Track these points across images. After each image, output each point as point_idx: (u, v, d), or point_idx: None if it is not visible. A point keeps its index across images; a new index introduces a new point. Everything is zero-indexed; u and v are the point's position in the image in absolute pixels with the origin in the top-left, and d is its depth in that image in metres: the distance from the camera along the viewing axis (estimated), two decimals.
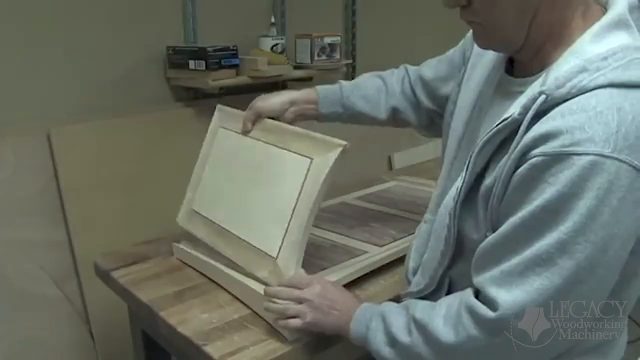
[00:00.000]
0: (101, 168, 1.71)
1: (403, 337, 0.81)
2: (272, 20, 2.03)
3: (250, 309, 1.05)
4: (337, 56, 2.10)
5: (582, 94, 0.66)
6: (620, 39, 0.71)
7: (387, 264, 1.19)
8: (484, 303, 0.73)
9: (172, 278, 1.19)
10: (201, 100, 2.01)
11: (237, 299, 1.09)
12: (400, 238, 1.28)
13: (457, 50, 1.10)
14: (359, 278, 1.12)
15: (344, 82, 1.19)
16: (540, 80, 0.73)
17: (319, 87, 1.18)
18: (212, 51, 1.78)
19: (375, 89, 1.18)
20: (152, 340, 1.23)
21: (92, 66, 1.76)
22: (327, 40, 2.06)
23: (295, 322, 0.91)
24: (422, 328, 0.79)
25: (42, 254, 1.62)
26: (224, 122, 1.23)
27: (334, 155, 0.93)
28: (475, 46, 0.88)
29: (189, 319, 1.02)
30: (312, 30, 2.06)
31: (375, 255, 1.18)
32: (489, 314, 0.71)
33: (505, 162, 0.71)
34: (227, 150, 1.20)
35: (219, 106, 1.27)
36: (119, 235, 1.66)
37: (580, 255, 0.65)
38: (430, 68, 1.15)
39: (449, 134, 0.97)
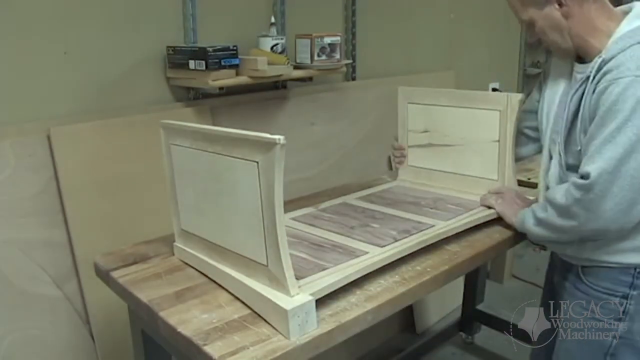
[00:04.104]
0: (101, 168, 1.70)
1: (541, 213, 1.28)
2: (272, 20, 2.03)
3: (250, 308, 1.05)
4: (337, 56, 2.09)
5: (623, 51, 1.13)
6: None
7: (388, 264, 1.19)
8: (581, 177, 1.16)
9: (172, 278, 1.19)
10: (201, 100, 2.01)
11: (237, 299, 1.09)
12: (401, 238, 1.28)
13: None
14: (359, 278, 1.12)
15: None
16: (597, 57, 1.18)
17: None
18: (212, 51, 1.77)
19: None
20: (152, 340, 1.23)
21: (92, 66, 1.75)
22: (327, 40, 2.05)
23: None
24: (552, 204, 1.24)
25: (42, 254, 1.62)
26: (172, 138, 1.21)
27: (274, 153, 0.94)
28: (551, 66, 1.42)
29: (189, 319, 1.02)
30: (312, 30, 2.06)
31: (376, 255, 1.18)
32: (585, 180, 1.14)
33: (588, 100, 1.19)
34: (185, 167, 1.19)
35: (162, 123, 1.23)
36: (119, 235, 1.66)
37: (629, 134, 1.10)
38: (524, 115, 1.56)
39: (546, 124, 1.39)
